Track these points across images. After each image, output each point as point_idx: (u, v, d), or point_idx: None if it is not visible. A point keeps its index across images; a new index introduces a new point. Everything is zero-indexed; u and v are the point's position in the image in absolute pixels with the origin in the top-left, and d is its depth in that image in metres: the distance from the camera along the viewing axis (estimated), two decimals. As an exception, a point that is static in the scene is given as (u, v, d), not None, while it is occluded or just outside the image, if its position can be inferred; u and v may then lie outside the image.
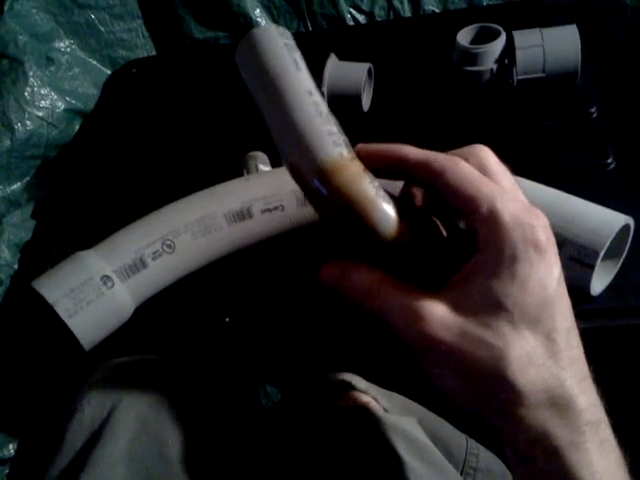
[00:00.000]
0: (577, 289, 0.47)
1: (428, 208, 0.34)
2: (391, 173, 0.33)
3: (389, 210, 0.32)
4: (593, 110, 0.64)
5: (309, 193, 0.33)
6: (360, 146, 0.34)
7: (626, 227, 0.46)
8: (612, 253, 0.48)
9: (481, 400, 0.29)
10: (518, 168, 0.52)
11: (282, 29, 0.37)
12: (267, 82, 0.36)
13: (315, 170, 0.32)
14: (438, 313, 0.29)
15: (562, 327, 0.29)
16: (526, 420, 0.28)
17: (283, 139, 0.34)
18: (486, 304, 0.28)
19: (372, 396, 0.48)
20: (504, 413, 0.28)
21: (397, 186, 0.35)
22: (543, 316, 0.29)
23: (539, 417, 0.28)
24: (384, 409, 0.46)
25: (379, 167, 0.33)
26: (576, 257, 0.46)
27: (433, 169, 0.31)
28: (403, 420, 0.46)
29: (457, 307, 0.29)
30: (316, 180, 0.32)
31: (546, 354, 0.28)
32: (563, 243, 0.46)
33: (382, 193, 0.32)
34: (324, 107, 0.35)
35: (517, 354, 0.28)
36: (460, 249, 0.32)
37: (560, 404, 0.28)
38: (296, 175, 0.34)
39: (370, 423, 0.46)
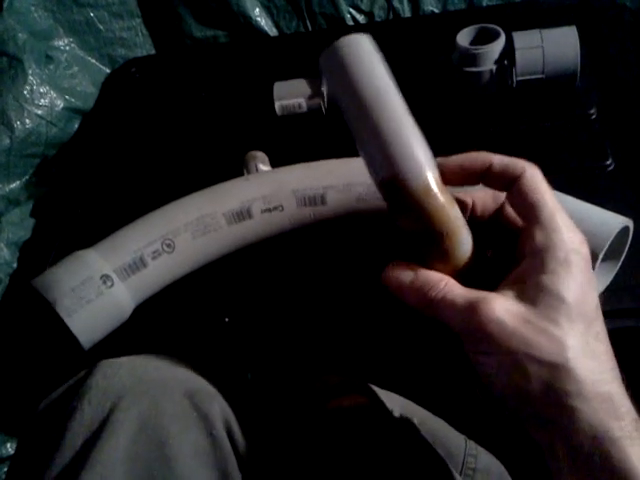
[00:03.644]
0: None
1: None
2: (467, 180, 0.36)
3: (468, 241, 0.34)
4: (592, 111, 0.64)
5: (401, 206, 0.34)
6: (440, 161, 0.36)
7: (625, 229, 0.47)
8: (611, 255, 0.48)
9: (535, 390, 0.30)
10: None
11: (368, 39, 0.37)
12: (373, 94, 0.35)
13: (420, 186, 0.34)
14: (503, 301, 0.31)
15: (604, 331, 0.32)
16: (583, 412, 0.29)
17: (392, 150, 0.34)
18: (547, 298, 0.31)
19: (374, 395, 0.48)
20: (561, 404, 0.29)
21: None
22: (594, 317, 0.31)
23: (596, 409, 0.29)
24: (387, 409, 0.47)
25: (458, 178, 0.36)
26: (575, 258, 0.46)
27: (513, 172, 0.34)
28: (405, 420, 0.46)
29: (519, 299, 0.31)
30: (417, 196, 0.34)
31: (599, 350, 0.31)
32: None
33: (465, 222, 0.35)
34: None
35: (576, 345, 0.30)
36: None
37: (612, 399, 0.29)
38: (393, 188, 0.34)
39: (373, 423, 0.46)
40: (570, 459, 0.29)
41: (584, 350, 0.30)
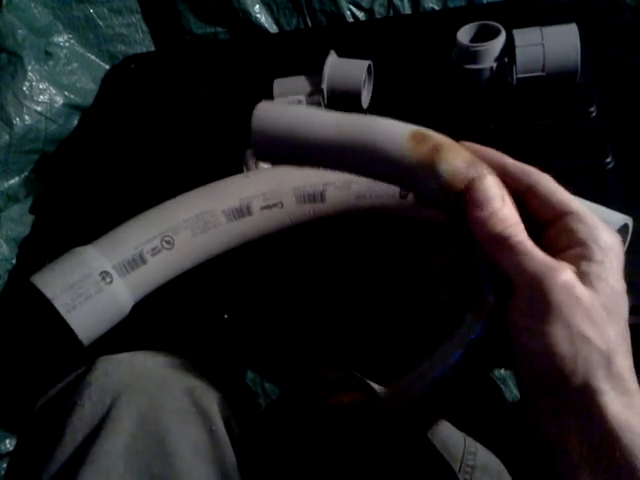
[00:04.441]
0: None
1: None
2: None
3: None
4: (592, 109, 0.64)
5: (436, 146, 0.34)
6: (463, 143, 0.36)
7: (625, 227, 0.47)
8: (611, 252, 0.48)
9: (576, 371, 0.29)
10: (517, 167, 0.52)
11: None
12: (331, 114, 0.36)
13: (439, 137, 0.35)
14: (575, 275, 0.30)
15: (629, 332, 0.32)
16: (613, 406, 0.28)
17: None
18: (604, 286, 0.30)
19: (373, 393, 0.48)
20: (594, 393, 0.29)
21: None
22: (626, 317, 0.31)
23: (624, 404, 0.29)
24: (386, 406, 0.47)
25: None
26: (575, 256, 0.46)
27: (529, 179, 0.34)
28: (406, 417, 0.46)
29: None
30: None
31: (628, 349, 0.31)
32: (562, 242, 0.46)
33: None
34: None
35: (617, 340, 0.30)
36: None
37: (636, 397, 0.29)
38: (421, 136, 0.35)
39: (373, 420, 0.46)
40: (588, 453, 0.29)
41: (621, 345, 0.30)
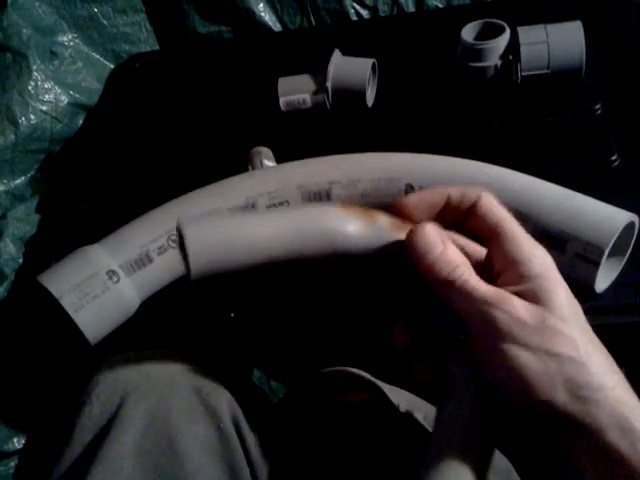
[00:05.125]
0: (582, 286, 0.47)
1: None
2: (430, 213, 0.36)
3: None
4: (597, 107, 0.64)
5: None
6: (400, 199, 0.37)
7: (631, 224, 0.47)
8: (617, 250, 0.48)
9: (557, 386, 0.29)
10: (522, 165, 0.52)
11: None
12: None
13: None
14: (519, 298, 0.31)
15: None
16: (607, 404, 0.28)
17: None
18: (554, 297, 0.31)
19: (380, 391, 0.48)
20: (584, 398, 0.29)
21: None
22: (583, 316, 0.32)
23: (617, 398, 0.29)
24: (393, 404, 0.47)
25: (420, 211, 0.36)
26: (581, 254, 0.46)
27: (469, 198, 0.34)
28: (411, 415, 0.47)
29: (528, 299, 0.31)
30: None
31: (600, 344, 0.31)
32: (568, 240, 0.46)
33: None
34: None
35: (586, 340, 0.30)
36: None
37: (626, 388, 0.30)
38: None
39: (379, 418, 0.46)
40: (595, 456, 0.28)
41: (592, 344, 0.30)
